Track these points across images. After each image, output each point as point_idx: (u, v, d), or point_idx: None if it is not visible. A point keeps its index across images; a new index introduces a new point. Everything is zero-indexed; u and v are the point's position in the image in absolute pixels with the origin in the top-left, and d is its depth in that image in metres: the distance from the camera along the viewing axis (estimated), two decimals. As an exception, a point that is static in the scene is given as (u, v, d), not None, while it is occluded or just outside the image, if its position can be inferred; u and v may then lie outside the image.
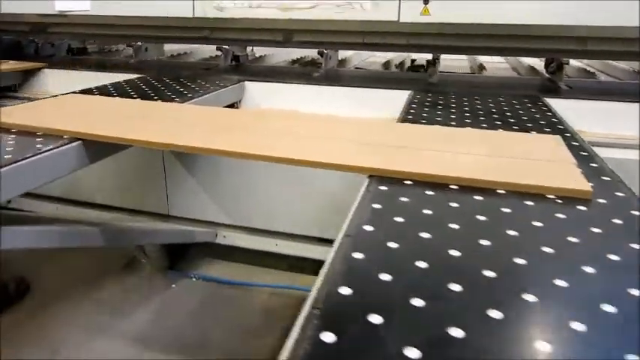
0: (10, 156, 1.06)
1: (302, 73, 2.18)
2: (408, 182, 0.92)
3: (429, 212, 0.79)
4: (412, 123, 1.35)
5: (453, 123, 1.35)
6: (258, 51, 2.97)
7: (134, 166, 2.07)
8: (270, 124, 1.30)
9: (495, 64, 2.93)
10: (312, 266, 2.08)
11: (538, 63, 2.89)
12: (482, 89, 1.83)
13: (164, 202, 2.11)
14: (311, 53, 2.94)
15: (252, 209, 2.04)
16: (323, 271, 0.62)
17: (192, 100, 1.63)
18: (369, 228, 0.73)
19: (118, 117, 1.36)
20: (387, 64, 2.67)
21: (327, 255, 0.67)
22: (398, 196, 0.85)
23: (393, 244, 0.69)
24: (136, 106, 1.51)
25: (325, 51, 2.13)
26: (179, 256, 2.16)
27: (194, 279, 2.06)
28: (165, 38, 2.20)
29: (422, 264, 0.64)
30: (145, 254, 2.11)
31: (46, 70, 2.26)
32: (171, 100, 1.62)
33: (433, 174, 0.92)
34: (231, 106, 1.92)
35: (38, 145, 1.13)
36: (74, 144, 1.18)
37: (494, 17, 1.61)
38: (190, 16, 1.88)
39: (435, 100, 1.63)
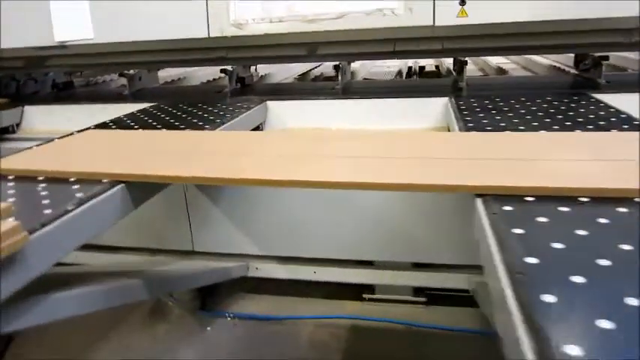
0: (49, 211, 0.89)
1: (321, 88, 2.07)
2: (529, 199, 0.81)
3: (584, 233, 0.68)
4: (477, 131, 1.25)
5: (522, 127, 1.25)
6: (259, 70, 2.86)
7: (153, 200, 1.90)
8: (326, 146, 1.18)
9: (503, 65, 2.87)
10: (355, 291, 1.95)
11: (547, 61, 2.86)
12: (521, 90, 1.75)
13: (188, 237, 1.95)
14: (319, 67, 2.85)
15: (285, 236, 1.90)
16: (518, 324, 0.50)
17: (223, 126, 1.50)
18: (532, 260, 0.62)
19: (154, 152, 1.22)
20: (399, 73, 2.58)
21: (505, 297, 0.55)
22: (533, 217, 0.74)
23: (577, 279, 0.57)
24: (167, 138, 1.37)
25: (340, 65, 2.03)
26: (208, 295, 1.99)
27: (229, 318, 1.89)
28: (176, 62, 2.06)
29: (632, 300, 0.52)
30: (172, 296, 1.93)
31: (45, 107, 2.10)
32: (201, 127, 1.48)
33: (556, 187, 0.82)
34: (257, 128, 1.79)
35: (78, 194, 0.97)
36: (117, 188, 1.03)
37: (534, 14, 1.54)
38: (205, 36, 1.75)
39: (481, 104, 1.54)
